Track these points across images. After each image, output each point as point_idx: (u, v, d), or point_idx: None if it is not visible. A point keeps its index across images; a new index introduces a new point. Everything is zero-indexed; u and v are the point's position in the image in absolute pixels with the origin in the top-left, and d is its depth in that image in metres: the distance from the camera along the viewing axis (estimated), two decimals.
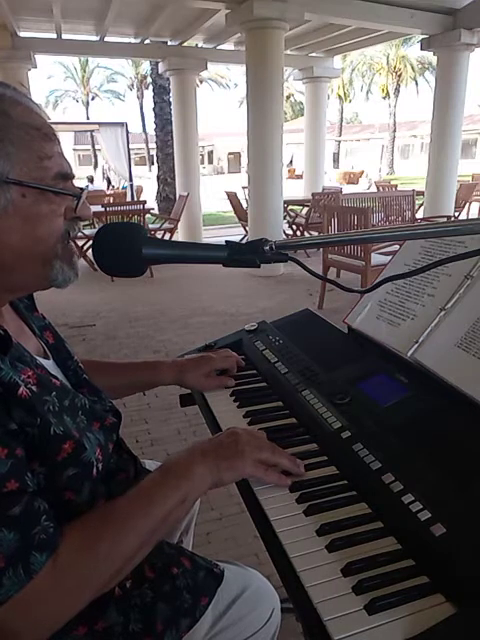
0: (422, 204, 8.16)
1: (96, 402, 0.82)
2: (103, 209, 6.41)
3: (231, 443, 0.78)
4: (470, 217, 7.67)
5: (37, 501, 0.60)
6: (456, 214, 8.63)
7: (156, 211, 10.14)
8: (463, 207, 9.82)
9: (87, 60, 34.19)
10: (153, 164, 25.89)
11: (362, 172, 27.75)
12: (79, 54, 11.15)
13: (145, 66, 31.55)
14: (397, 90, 32.89)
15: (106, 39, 8.09)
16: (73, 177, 0.70)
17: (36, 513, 0.59)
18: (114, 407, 0.89)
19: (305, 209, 8.39)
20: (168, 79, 9.33)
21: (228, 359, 1.17)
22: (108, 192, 11.26)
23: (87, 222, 7.46)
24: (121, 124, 10.57)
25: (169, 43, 8.47)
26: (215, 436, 0.82)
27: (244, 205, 7.91)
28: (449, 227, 0.72)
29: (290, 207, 8.34)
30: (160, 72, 9.34)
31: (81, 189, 0.71)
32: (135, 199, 10.39)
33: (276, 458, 0.80)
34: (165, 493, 0.70)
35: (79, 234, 6.26)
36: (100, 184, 14.07)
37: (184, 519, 1.14)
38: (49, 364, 0.78)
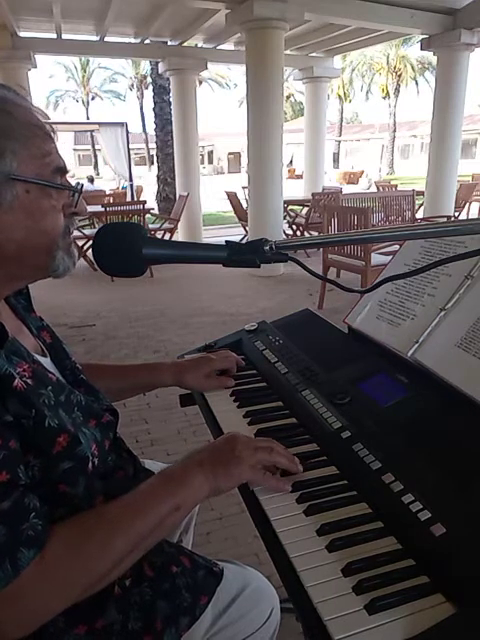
0: (422, 204, 8.16)
1: (93, 401, 0.82)
2: (103, 209, 6.42)
3: (228, 449, 0.78)
4: (470, 217, 7.67)
5: (28, 497, 0.60)
6: (456, 214, 8.63)
7: (156, 211, 10.14)
8: (463, 207, 9.82)
9: (87, 60, 34.23)
10: (153, 164, 25.90)
11: (362, 172, 27.73)
12: (79, 54, 11.14)
13: (145, 66, 31.56)
14: (397, 90, 32.89)
15: (106, 39, 8.09)
16: (68, 172, 0.73)
17: (25, 509, 0.60)
18: (111, 406, 0.89)
19: (305, 209, 8.39)
20: (168, 79, 9.33)
21: (227, 359, 1.17)
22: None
23: (87, 222, 7.46)
24: (121, 124, 10.56)
25: (169, 43, 8.47)
26: (212, 443, 0.82)
27: (244, 205, 7.91)
28: (449, 227, 0.72)
29: (290, 207, 8.34)
30: (160, 72, 9.34)
31: (79, 184, 0.74)
32: (135, 199, 10.39)
33: (274, 458, 0.79)
34: (159, 500, 0.70)
35: (79, 234, 6.27)
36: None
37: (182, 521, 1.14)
38: (46, 362, 0.79)
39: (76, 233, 5.59)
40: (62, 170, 0.71)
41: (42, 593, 0.60)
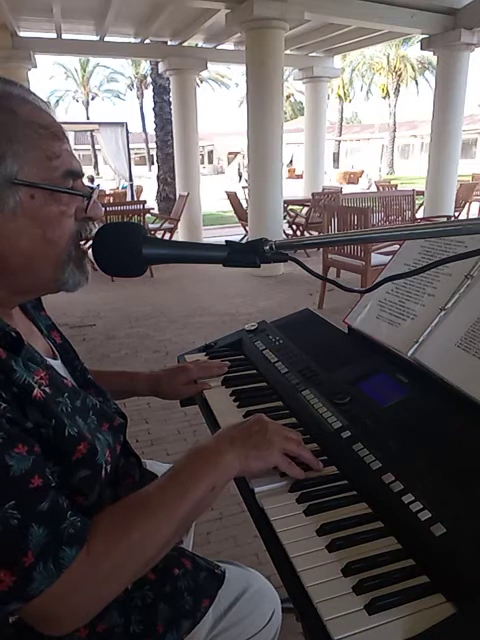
0: (422, 204, 8.16)
1: (102, 403, 0.82)
2: (103, 209, 6.39)
3: (259, 431, 0.79)
4: (470, 217, 7.66)
5: (61, 497, 0.60)
6: (456, 214, 8.63)
7: (156, 211, 10.14)
8: (463, 207, 9.81)
9: (87, 60, 34.22)
10: (153, 164, 25.87)
11: (362, 172, 27.72)
12: (79, 54, 11.12)
13: (145, 66, 31.55)
14: (397, 90, 32.88)
15: (106, 39, 8.09)
16: (82, 175, 0.69)
17: (62, 508, 0.60)
18: (119, 409, 0.88)
19: (305, 209, 8.38)
20: (168, 79, 9.33)
21: (205, 369, 1.18)
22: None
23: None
24: (121, 124, 10.56)
25: (169, 43, 8.47)
26: (242, 422, 0.82)
27: (244, 205, 7.91)
28: (449, 227, 0.72)
29: (290, 207, 8.33)
30: (160, 72, 9.34)
31: (91, 188, 0.70)
32: (135, 199, 10.38)
33: (300, 450, 0.81)
34: (196, 481, 0.70)
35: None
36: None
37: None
38: (57, 364, 0.77)
39: None
40: (74, 173, 0.66)
41: (92, 585, 0.60)
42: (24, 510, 0.55)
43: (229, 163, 39.03)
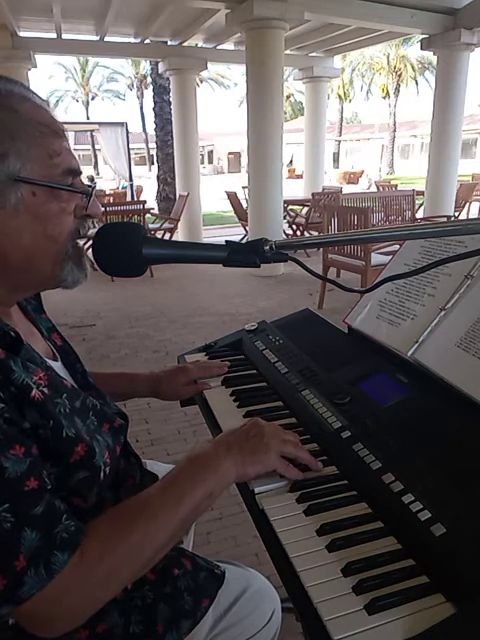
0: (422, 204, 8.16)
1: (103, 405, 0.82)
2: (103, 209, 6.41)
3: (256, 436, 0.79)
4: (470, 217, 7.66)
5: (57, 500, 0.60)
6: (456, 214, 8.63)
7: (156, 211, 10.14)
8: (463, 207, 9.81)
9: (87, 60, 34.22)
10: (153, 164, 25.88)
11: (362, 172, 27.73)
12: (79, 54, 11.18)
13: (145, 66, 31.55)
14: (397, 90, 32.87)
15: (106, 39, 8.09)
16: (81, 173, 0.70)
17: (57, 512, 0.59)
18: (121, 410, 0.88)
19: (305, 209, 8.38)
20: (168, 79, 9.33)
21: (205, 369, 1.18)
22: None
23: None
24: (121, 124, 10.57)
25: (169, 43, 8.47)
26: (240, 427, 0.82)
27: (244, 205, 7.91)
28: (449, 227, 0.72)
29: (290, 207, 8.33)
30: (160, 72, 9.34)
31: (90, 186, 0.71)
32: (135, 199, 10.38)
33: (298, 452, 0.81)
34: (194, 487, 0.70)
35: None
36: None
37: None
38: (57, 366, 0.77)
39: None
40: (74, 171, 0.67)
41: (86, 589, 0.60)
42: (17, 513, 0.55)
43: (229, 163, 39.05)
